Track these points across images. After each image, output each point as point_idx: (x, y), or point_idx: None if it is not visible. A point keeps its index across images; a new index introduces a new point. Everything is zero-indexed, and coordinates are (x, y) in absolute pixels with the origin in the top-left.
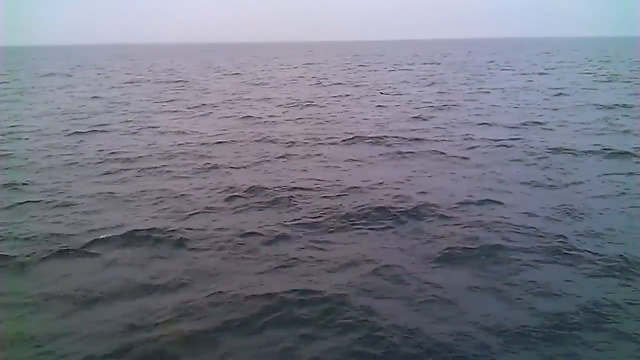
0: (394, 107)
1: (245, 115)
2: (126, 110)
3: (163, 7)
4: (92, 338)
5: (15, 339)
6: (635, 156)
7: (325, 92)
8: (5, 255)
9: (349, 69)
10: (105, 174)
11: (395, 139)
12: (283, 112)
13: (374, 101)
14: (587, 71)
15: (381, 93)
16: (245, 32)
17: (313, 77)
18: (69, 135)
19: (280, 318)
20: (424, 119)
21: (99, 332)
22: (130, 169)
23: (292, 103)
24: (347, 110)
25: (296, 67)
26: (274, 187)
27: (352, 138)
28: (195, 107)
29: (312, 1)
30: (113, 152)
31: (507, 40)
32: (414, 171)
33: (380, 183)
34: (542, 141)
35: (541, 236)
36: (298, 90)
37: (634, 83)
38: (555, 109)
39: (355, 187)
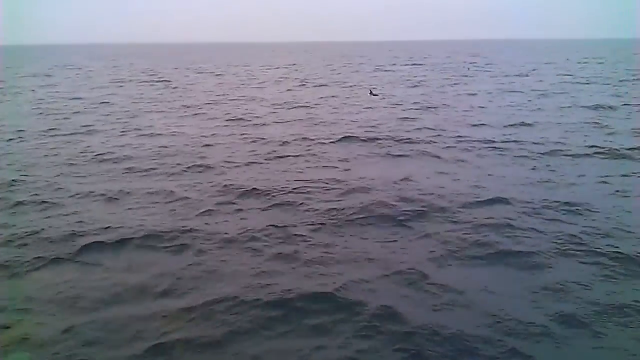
0: (383, 108)
1: (234, 116)
2: (111, 112)
3: (163, 6)
4: (95, 344)
5: (14, 345)
6: (626, 156)
7: (310, 93)
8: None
9: (332, 70)
10: (95, 174)
11: (388, 140)
12: (271, 113)
13: (360, 103)
14: (567, 73)
15: (371, 93)
16: (243, 32)
17: (296, 78)
18: (55, 135)
19: (292, 323)
20: (415, 120)
21: (101, 338)
22: (121, 170)
23: (279, 104)
24: (335, 112)
25: (278, 68)
26: (273, 189)
27: (344, 138)
28: (181, 107)
29: (309, 2)
30: (102, 153)
31: (503, 42)
32: (412, 173)
33: (380, 184)
34: (535, 143)
35: (550, 236)
36: (283, 91)
37: (612, 85)
38: (540, 110)
39: (356, 188)
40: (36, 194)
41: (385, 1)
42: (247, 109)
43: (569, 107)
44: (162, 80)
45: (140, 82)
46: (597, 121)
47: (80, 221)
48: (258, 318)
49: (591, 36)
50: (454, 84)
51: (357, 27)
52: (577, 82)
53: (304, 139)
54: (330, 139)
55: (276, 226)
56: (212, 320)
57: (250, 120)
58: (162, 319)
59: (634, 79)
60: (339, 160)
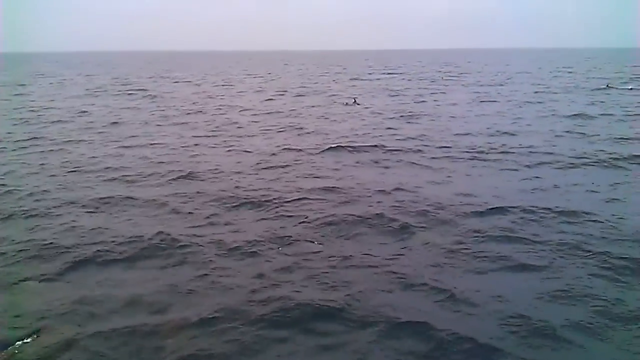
0: (367, 117)
1: (217, 126)
2: (91, 121)
3: (163, 14)
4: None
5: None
6: (613, 164)
7: (291, 102)
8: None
9: (308, 78)
10: (82, 185)
11: (376, 149)
12: (254, 122)
13: (343, 112)
14: (541, 82)
15: (355, 102)
16: (213, 42)
17: (278, 87)
18: (35, 145)
19: (299, 337)
20: (399, 129)
21: (103, 354)
22: (108, 181)
23: (262, 114)
24: (320, 121)
25: (255, 77)
26: (267, 201)
27: (332, 148)
28: (161, 118)
29: (280, 13)
30: (87, 164)
31: (497, 51)
32: (404, 182)
33: (375, 195)
34: (522, 152)
35: (553, 243)
36: (264, 101)
37: (584, 94)
38: (520, 119)
39: (351, 199)
40: (23, 206)
41: (365, 11)
42: (229, 119)
43: (546, 116)
44: (140, 90)
45: (118, 92)
46: (578, 130)
47: (73, 234)
48: (262, 334)
49: (595, 45)
50: (432, 93)
51: (331, 36)
52: (551, 92)
53: (292, 149)
54: (318, 149)
55: (273, 239)
56: (214, 336)
57: (234, 131)
58: (162, 335)
59: (603, 88)
60: (330, 170)
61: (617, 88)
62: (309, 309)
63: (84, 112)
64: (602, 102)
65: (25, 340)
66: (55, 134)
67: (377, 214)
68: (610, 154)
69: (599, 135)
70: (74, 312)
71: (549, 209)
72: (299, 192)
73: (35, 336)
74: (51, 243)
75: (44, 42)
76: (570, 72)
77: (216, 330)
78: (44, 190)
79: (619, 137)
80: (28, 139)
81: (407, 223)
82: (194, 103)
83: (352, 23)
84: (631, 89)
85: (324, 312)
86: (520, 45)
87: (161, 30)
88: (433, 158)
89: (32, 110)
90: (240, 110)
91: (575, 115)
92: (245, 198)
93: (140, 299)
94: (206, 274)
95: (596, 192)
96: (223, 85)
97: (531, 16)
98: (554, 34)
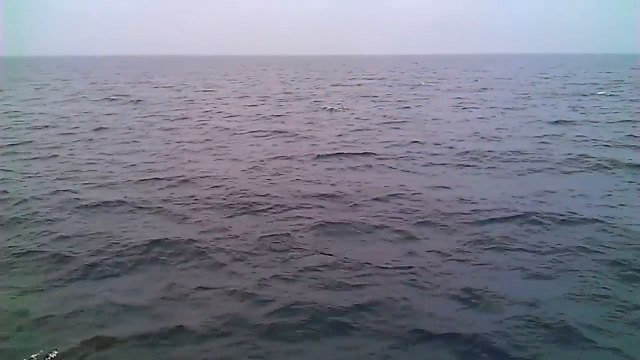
0: (354, 122)
1: (203, 132)
2: (75, 127)
3: (162, 19)
4: None
5: None
6: (605, 169)
7: (274, 108)
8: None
9: (289, 84)
10: (73, 191)
11: (367, 156)
12: (241, 128)
13: (329, 118)
14: (519, 88)
15: (342, 108)
16: (189, 46)
17: (261, 94)
18: (20, 152)
19: (313, 344)
20: (389, 135)
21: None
22: (101, 186)
23: (248, 120)
24: (307, 127)
25: (235, 82)
26: (263, 209)
27: (323, 155)
28: (147, 124)
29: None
30: (76, 170)
31: (488, 57)
32: (400, 189)
33: (373, 201)
34: (512, 157)
35: (561, 246)
36: (248, 106)
37: (563, 100)
38: (505, 125)
39: (348, 207)
40: (16, 214)
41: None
42: (215, 125)
43: (529, 122)
44: (122, 95)
45: (100, 98)
46: (563, 135)
47: (69, 242)
48: (272, 346)
49: (592, 51)
50: (415, 99)
51: (327, 41)
52: (530, 98)
53: (283, 156)
54: (310, 155)
55: (276, 248)
56: (222, 348)
57: (222, 137)
58: (169, 344)
59: (580, 94)
60: (323, 177)
61: (593, 94)
62: (320, 319)
63: (65, 117)
64: (582, 107)
65: (31, 356)
66: (39, 140)
67: (378, 220)
68: (600, 159)
69: (585, 140)
70: (77, 322)
71: (549, 213)
72: (295, 198)
73: (40, 350)
74: (48, 252)
75: (43, 46)
76: (546, 79)
77: (224, 341)
78: (34, 197)
79: (605, 142)
80: (12, 145)
81: (409, 230)
82: (176, 109)
83: (350, 28)
84: (611, 94)
85: (335, 322)
86: (520, 51)
87: (162, 34)
88: (425, 165)
89: (11, 117)
90: (225, 116)
91: (557, 121)
92: (242, 205)
93: (143, 307)
94: (210, 282)
95: (591, 197)
96: (204, 90)
97: (530, 22)
98: (553, 40)
